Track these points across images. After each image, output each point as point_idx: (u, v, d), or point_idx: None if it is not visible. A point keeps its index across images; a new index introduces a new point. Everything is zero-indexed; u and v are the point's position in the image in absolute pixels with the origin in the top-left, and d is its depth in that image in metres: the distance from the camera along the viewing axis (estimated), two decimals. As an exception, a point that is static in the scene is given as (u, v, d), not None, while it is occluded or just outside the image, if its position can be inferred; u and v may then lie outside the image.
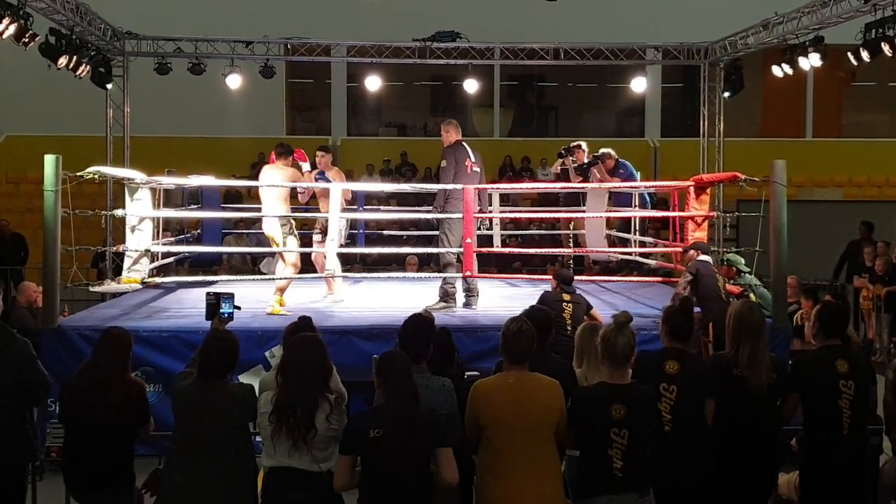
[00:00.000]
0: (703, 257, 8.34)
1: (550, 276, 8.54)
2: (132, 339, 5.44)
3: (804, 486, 5.36)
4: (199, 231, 12.20)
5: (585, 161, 11.99)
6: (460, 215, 9.02)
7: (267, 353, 7.59)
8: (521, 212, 14.90)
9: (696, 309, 7.45)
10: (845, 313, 5.99)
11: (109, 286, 9.96)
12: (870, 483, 5.54)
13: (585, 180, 11.74)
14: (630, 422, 4.51)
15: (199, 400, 4.76)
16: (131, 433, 5.26)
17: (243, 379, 6.94)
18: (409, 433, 4.32)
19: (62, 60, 12.00)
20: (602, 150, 12.07)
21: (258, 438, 5.00)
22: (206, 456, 4.70)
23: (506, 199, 15.51)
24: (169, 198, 11.11)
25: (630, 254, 11.60)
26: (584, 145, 12.30)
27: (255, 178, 18.33)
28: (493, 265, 12.43)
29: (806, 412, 5.31)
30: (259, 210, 9.71)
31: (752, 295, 9.04)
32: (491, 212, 10.80)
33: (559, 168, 12.44)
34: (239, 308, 5.89)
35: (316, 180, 9.84)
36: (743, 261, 9.52)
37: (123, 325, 5.68)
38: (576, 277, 8.58)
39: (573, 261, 11.72)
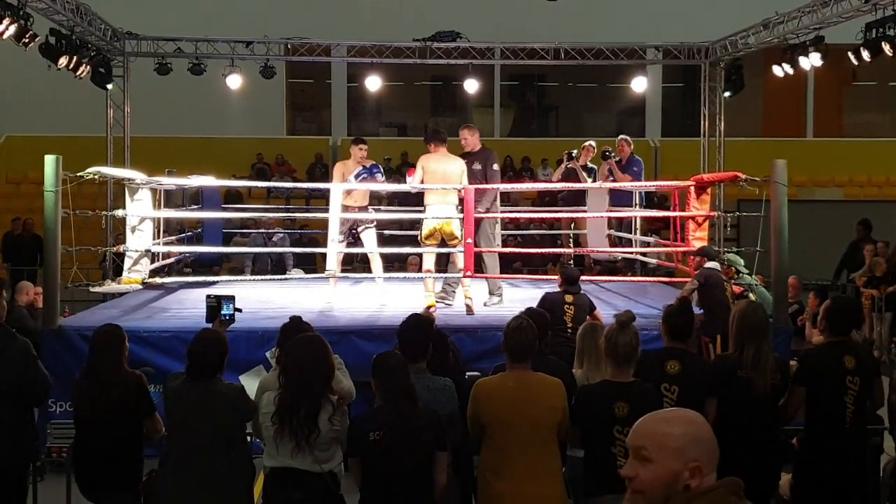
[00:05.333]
0: (710, 264, 8.28)
1: (558, 276, 8.53)
2: (125, 334, 5.44)
3: (799, 481, 5.36)
4: (199, 231, 12.20)
5: (589, 162, 11.98)
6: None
7: (268, 354, 7.57)
8: (521, 212, 14.89)
9: (698, 310, 7.44)
10: (854, 310, 5.98)
11: (110, 287, 9.96)
12: (871, 482, 5.54)
13: (596, 177, 11.72)
14: (633, 420, 4.48)
15: (189, 400, 4.77)
16: (137, 427, 5.26)
17: (244, 379, 6.93)
18: (407, 434, 4.33)
19: (62, 61, 12.00)
20: (621, 137, 12.06)
21: (258, 440, 5.00)
22: (199, 456, 4.70)
23: (506, 199, 15.50)
24: (169, 198, 11.10)
25: (631, 253, 11.59)
26: (594, 144, 12.27)
27: (256, 178, 18.54)
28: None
29: (809, 407, 5.31)
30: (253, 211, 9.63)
31: (751, 295, 9.03)
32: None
33: (560, 175, 12.36)
34: (240, 310, 5.88)
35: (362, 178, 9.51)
36: (742, 261, 9.51)
37: (124, 326, 5.67)
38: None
39: (573, 261, 11.69)
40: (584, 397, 4.74)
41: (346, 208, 9.45)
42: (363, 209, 9.73)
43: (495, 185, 9.66)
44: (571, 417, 4.66)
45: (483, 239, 9.50)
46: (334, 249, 9.25)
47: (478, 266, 9.21)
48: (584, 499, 4.67)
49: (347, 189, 9.46)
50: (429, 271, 9.24)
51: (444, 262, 9.76)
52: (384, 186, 9.52)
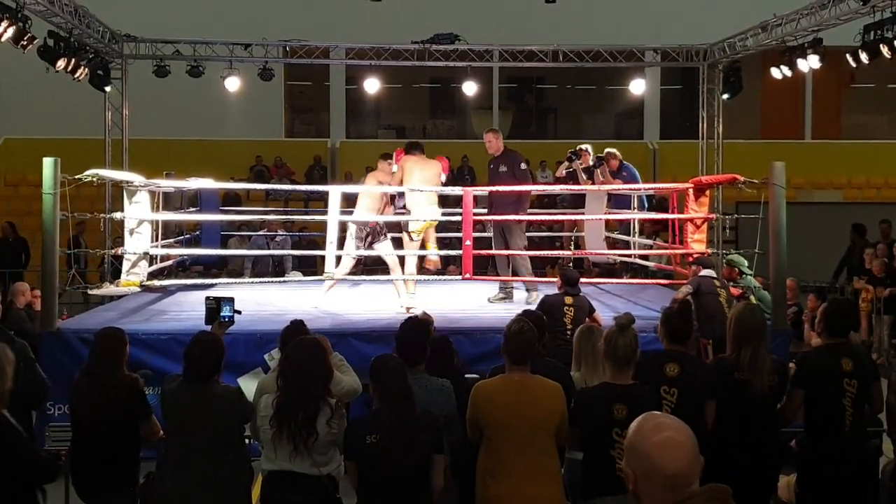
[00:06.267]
0: (704, 272, 8.27)
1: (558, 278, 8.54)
2: (126, 338, 5.44)
3: (802, 484, 5.35)
4: (198, 233, 12.19)
5: (591, 163, 11.99)
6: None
7: (266, 356, 7.57)
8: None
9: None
10: (851, 312, 5.97)
11: (108, 289, 9.94)
12: (869, 484, 5.53)
13: (594, 182, 11.75)
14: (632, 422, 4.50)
15: (185, 402, 4.76)
16: (134, 429, 5.25)
17: (242, 381, 6.92)
18: (405, 437, 4.32)
19: (61, 63, 11.99)
20: (607, 150, 12.08)
21: (256, 442, 4.99)
22: (196, 458, 4.70)
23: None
24: (168, 201, 11.09)
25: (630, 256, 11.59)
26: (589, 147, 12.29)
27: (254, 180, 18.54)
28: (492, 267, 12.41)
29: (808, 410, 5.31)
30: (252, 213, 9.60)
31: (751, 297, 9.02)
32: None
33: (564, 172, 12.39)
34: (239, 312, 5.87)
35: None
36: (746, 262, 9.49)
37: (122, 328, 5.67)
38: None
39: (572, 263, 11.69)
40: (583, 400, 4.74)
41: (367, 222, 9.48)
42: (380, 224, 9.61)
43: (528, 186, 10.02)
44: (570, 419, 4.66)
45: (518, 239, 9.73)
46: (332, 252, 9.24)
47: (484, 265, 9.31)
48: (582, 501, 4.66)
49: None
50: (411, 272, 9.36)
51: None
52: (386, 189, 9.47)
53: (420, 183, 9.08)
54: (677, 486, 2.37)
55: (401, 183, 9.15)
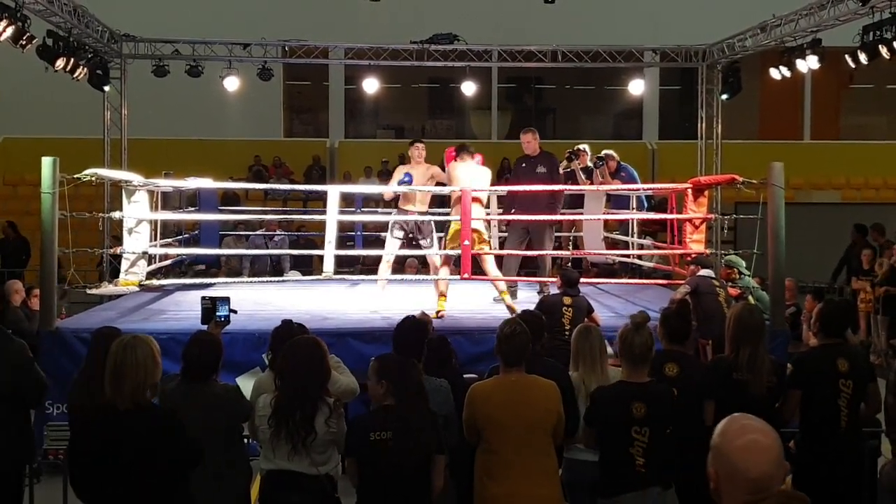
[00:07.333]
0: (703, 272, 8.25)
1: (557, 278, 8.54)
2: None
3: (797, 485, 5.35)
4: (196, 233, 12.19)
5: (589, 163, 11.99)
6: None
7: (264, 355, 7.57)
8: (520, 214, 14.83)
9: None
10: (848, 312, 5.97)
11: (107, 289, 9.93)
12: (867, 485, 5.53)
13: (592, 182, 11.76)
14: (651, 420, 4.53)
15: (183, 402, 4.74)
16: None
17: (241, 380, 6.93)
18: (409, 435, 4.32)
19: (60, 62, 11.99)
20: (605, 152, 12.08)
21: (253, 441, 4.99)
22: None
23: (503, 202, 15.44)
24: (166, 200, 11.09)
25: (628, 256, 11.59)
26: (587, 148, 12.29)
27: (253, 180, 18.53)
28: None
29: (804, 410, 5.31)
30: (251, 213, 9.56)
31: (750, 297, 9.02)
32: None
33: (562, 172, 12.38)
34: (235, 312, 5.87)
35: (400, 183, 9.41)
36: (744, 263, 9.50)
37: (120, 328, 5.66)
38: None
39: (571, 263, 11.69)
40: (600, 398, 4.75)
41: (406, 213, 9.39)
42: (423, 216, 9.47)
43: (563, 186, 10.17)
44: (587, 418, 4.71)
45: (547, 240, 9.83)
46: (331, 251, 9.23)
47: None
48: (601, 499, 4.67)
49: (406, 192, 9.38)
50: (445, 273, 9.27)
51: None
52: (391, 189, 9.45)
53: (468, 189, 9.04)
54: (760, 489, 2.35)
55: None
